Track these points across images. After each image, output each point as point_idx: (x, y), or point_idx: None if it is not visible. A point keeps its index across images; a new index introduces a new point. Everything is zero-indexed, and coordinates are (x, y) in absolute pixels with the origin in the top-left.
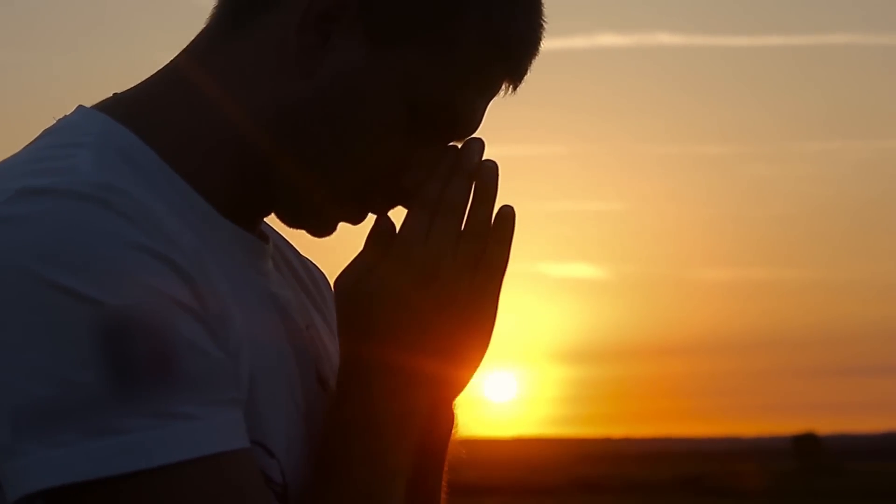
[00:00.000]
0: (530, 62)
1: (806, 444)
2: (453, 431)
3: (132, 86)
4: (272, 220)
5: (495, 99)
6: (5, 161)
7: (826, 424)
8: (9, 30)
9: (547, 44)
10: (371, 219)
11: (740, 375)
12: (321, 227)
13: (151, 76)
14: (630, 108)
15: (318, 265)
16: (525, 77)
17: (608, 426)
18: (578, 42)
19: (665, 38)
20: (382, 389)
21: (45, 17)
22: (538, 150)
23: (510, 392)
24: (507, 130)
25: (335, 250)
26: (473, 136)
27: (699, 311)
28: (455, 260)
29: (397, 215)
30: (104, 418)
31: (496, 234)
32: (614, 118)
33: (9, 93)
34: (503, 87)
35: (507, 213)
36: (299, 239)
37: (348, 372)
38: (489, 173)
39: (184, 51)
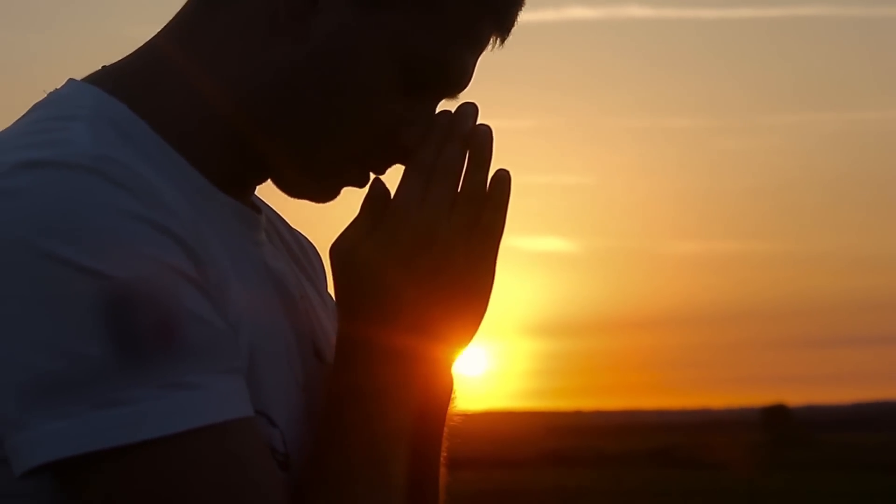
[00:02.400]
0: (517, 14)
1: (776, 416)
2: (452, 398)
3: (120, 58)
4: (263, 193)
5: (483, 54)
6: None
7: (796, 396)
8: None
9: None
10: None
11: (710, 348)
12: (323, 193)
13: (140, 47)
14: (599, 82)
15: (307, 237)
16: (512, 30)
17: (579, 399)
18: (548, 15)
19: (635, 11)
20: (380, 356)
21: None
22: (507, 125)
23: (481, 366)
24: (478, 105)
25: (322, 223)
26: (466, 101)
27: (669, 284)
28: (451, 225)
29: (391, 181)
30: (109, 389)
31: (492, 198)
32: (584, 91)
33: None
34: (491, 40)
35: (503, 177)
36: (287, 211)
37: (346, 340)
38: (483, 138)
39: (171, 21)
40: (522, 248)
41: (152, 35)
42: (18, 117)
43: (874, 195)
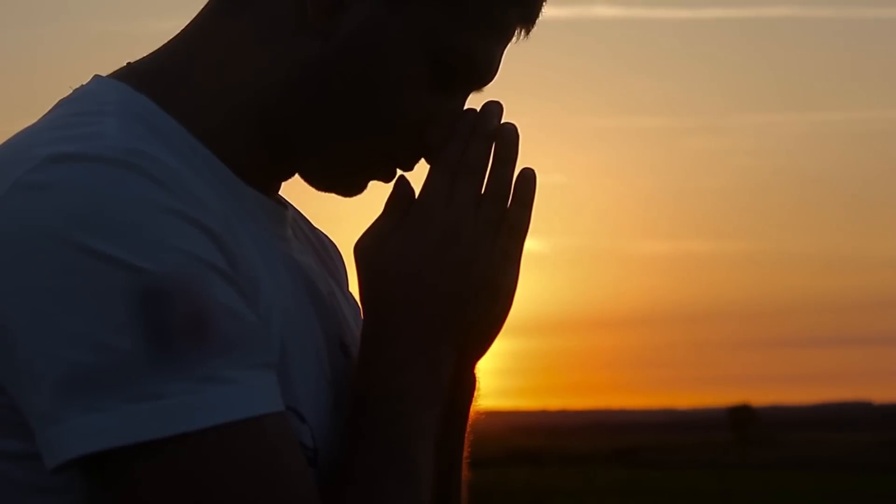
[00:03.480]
0: (541, 5)
1: (741, 416)
2: (476, 395)
3: (146, 54)
4: (283, 191)
5: (509, 45)
6: (24, 131)
7: (761, 396)
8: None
9: None
10: (385, 185)
11: (676, 348)
12: (352, 187)
13: (166, 43)
14: (568, 82)
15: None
16: (537, 20)
17: (545, 398)
18: None
19: (603, 11)
20: (407, 354)
21: None
22: None
23: None
24: None
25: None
26: (492, 99)
27: (636, 284)
28: (476, 222)
29: (416, 181)
30: (143, 383)
31: (517, 195)
32: (552, 91)
33: None
34: (517, 31)
35: (528, 175)
36: (307, 210)
37: (372, 337)
38: (509, 135)
39: (196, 16)
40: None
41: (176, 31)
42: (43, 114)
43: (843, 196)
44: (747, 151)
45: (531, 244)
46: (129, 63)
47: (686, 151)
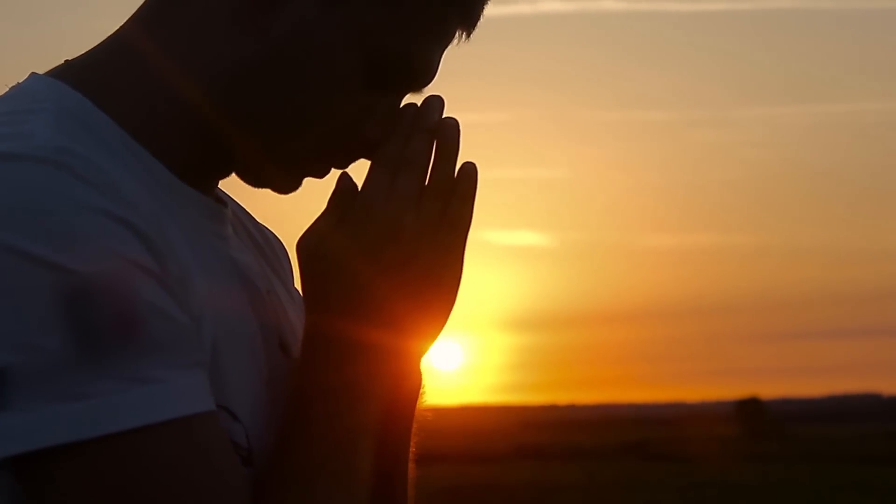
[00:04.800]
0: (482, 7)
1: (749, 409)
2: (421, 393)
3: (83, 52)
4: (228, 187)
5: (450, 48)
6: None
7: (769, 389)
8: None
9: (490, 10)
10: (332, 179)
11: (685, 341)
12: (286, 185)
13: (103, 41)
14: (575, 75)
15: (274, 232)
16: (478, 23)
17: (554, 393)
18: (522, 8)
19: (609, 4)
20: (347, 350)
21: None
22: (482, 118)
23: (456, 360)
24: (451, 98)
25: (291, 218)
26: (433, 94)
27: (644, 278)
28: (418, 217)
29: (359, 175)
30: (69, 383)
31: (459, 190)
32: (559, 85)
33: None
34: (457, 34)
35: (470, 170)
36: (254, 206)
37: (312, 334)
38: (450, 130)
39: (134, 14)
40: (498, 242)
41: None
42: None
43: (851, 188)
44: (755, 144)
45: (537, 238)
46: (66, 60)
47: (694, 144)
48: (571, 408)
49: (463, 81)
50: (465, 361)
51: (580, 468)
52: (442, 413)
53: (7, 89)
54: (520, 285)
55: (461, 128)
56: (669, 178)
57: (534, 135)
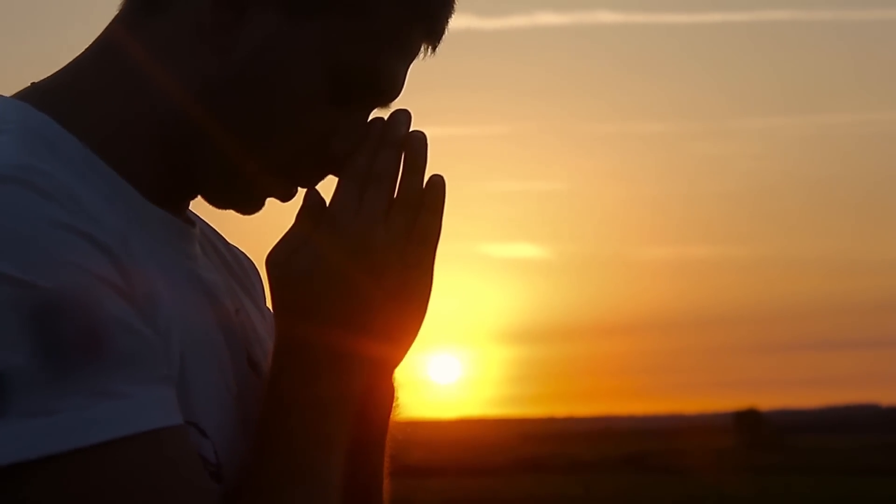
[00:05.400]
0: (447, 21)
1: (747, 420)
2: (394, 407)
3: (49, 74)
4: (199, 209)
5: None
6: None
7: (767, 400)
8: None
9: (486, 24)
10: (300, 196)
11: (683, 353)
12: (249, 205)
13: (69, 63)
14: (571, 87)
15: (245, 252)
16: (442, 37)
17: (552, 406)
18: (518, 21)
19: (605, 16)
20: (318, 364)
21: None
22: (479, 131)
23: (454, 373)
24: (448, 111)
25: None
26: (400, 108)
27: (642, 290)
28: (387, 230)
29: (327, 190)
30: (35, 399)
31: (428, 203)
32: (555, 97)
33: None
34: (422, 48)
35: (438, 182)
36: (225, 227)
37: (283, 348)
38: (418, 143)
39: (101, 34)
40: (495, 255)
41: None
42: None
43: (849, 199)
44: (753, 155)
45: (535, 251)
46: (33, 83)
47: (691, 156)
48: (570, 420)
49: (460, 95)
50: (464, 374)
51: (579, 481)
52: (440, 426)
53: None
54: (518, 298)
55: (442, 147)
56: (667, 189)
57: (531, 147)
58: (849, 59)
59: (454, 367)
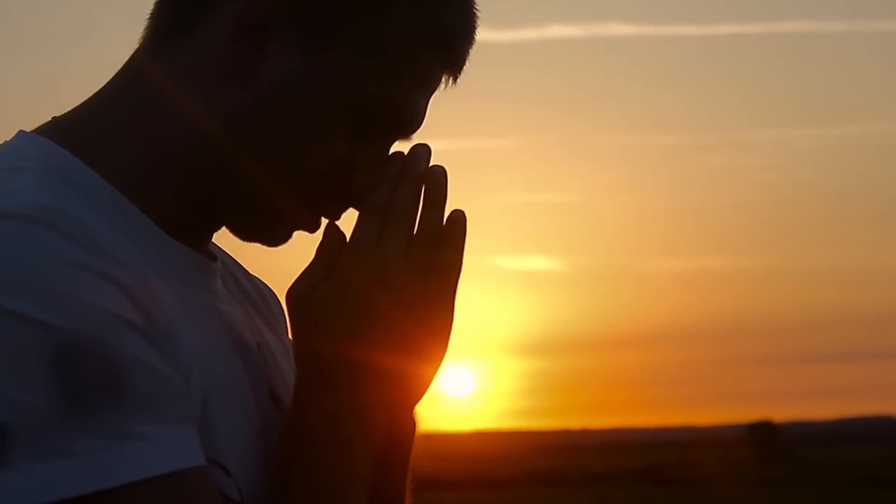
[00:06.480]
0: (467, 53)
1: (762, 432)
2: (415, 434)
3: (70, 108)
4: (221, 240)
5: (438, 93)
6: None
7: (782, 412)
8: None
9: (498, 36)
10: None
11: (696, 365)
12: (275, 238)
13: (90, 97)
14: (584, 99)
15: (266, 283)
16: (464, 68)
17: (566, 418)
18: (530, 34)
19: (617, 28)
20: (337, 403)
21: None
22: (492, 143)
23: (468, 386)
24: (461, 124)
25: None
26: (420, 142)
27: (656, 302)
28: (407, 266)
29: (347, 225)
30: (57, 441)
31: (448, 238)
32: (568, 109)
33: None
34: (443, 79)
35: (458, 218)
36: (246, 258)
37: (303, 387)
38: (438, 178)
39: (122, 67)
40: (508, 267)
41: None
42: None
43: (862, 210)
44: (766, 167)
45: (549, 263)
46: (54, 117)
47: (705, 167)
48: (584, 432)
49: (472, 107)
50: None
51: (593, 493)
52: (454, 438)
53: None
54: (531, 310)
55: (455, 159)
56: (680, 201)
57: (544, 159)
58: (862, 70)
59: (468, 380)
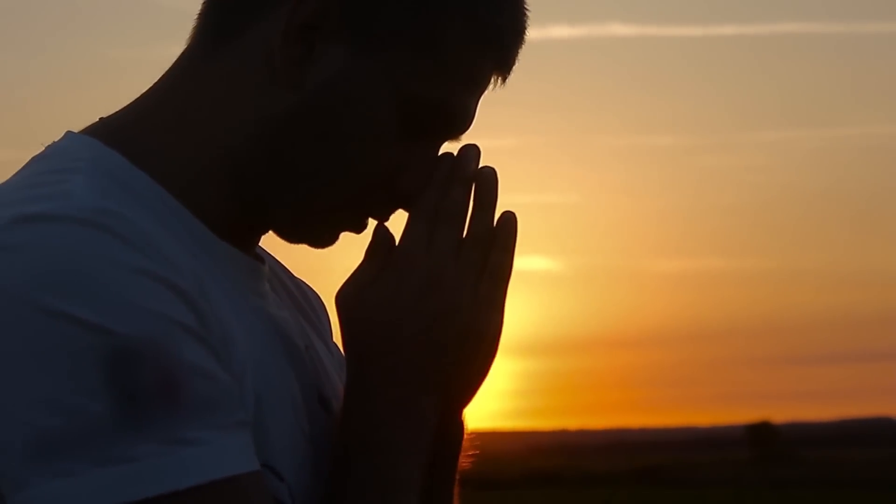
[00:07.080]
0: (517, 52)
1: (761, 433)
2: (464, 442)
3: (118, 109)
4: (264, 241)
5: (486, 93)
6: None
7: (780, 413)
8: None
9: None
10: (368, 233)
11: (695, 365)
12: (322, 239)
13: (137, 98)
14: (582, 100)
15: (311, 286)
16: (513, 68)
17: (564, 418)
18: (530, 34)
19: (617, 29)
20: (389, 405)
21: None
22: (489, 144)
23: None
24: None
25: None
26: (469, 143)
27: (652, 302)
28: (458, 268)
29: (396, 227)
30: (113, 447)
31: (499, 240)
32: (566, 110)
33: None
34: (492, 79)
35: (510, 219)
36: (291, 260)
37: (354, 390)
38: (488, 179)
39: (170, 68)
40: None
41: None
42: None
43: (857, 212)
44: (759, 168)
45: (545, 264)
46: (101, 118)
47: (699, 169)
48: (582, 433)
49: None
50: None
51: (591, 494)
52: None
53: (43, 148)
54: (528, 310)
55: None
56: (675, 202)
57: (541, 160)
58: (855, 72)
59: None
